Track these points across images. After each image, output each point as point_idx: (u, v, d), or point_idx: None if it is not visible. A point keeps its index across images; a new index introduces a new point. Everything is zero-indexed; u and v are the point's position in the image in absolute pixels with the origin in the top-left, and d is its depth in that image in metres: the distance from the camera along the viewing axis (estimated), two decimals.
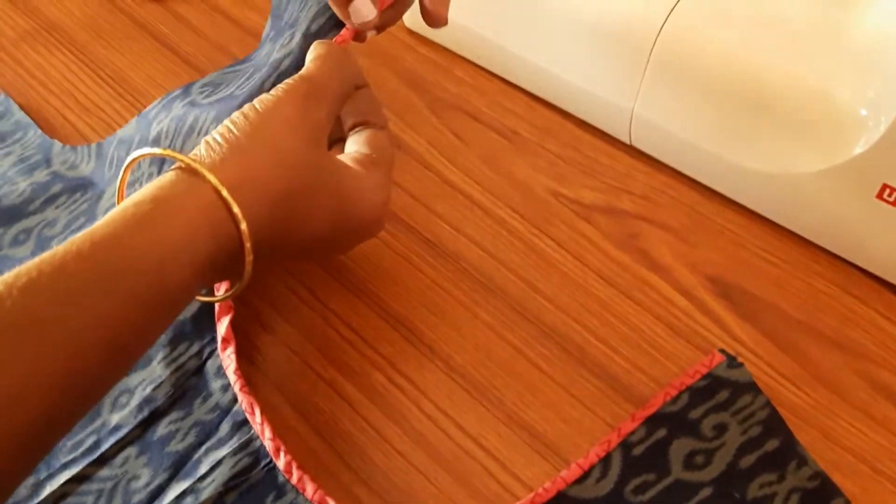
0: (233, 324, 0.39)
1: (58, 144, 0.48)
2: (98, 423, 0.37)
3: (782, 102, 0.39)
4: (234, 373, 0.38)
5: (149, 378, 0.38)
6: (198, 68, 0.53)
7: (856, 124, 0.37)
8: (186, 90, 0.45)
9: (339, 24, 0.39)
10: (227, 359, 0.38)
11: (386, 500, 0.35)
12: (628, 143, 0.47)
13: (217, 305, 0.39)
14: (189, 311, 0.40)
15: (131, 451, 0.37)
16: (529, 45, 0.47)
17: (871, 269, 0.41)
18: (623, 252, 0.43)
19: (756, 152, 0.41)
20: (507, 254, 0.43)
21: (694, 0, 0.41)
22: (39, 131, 0.48)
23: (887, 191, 0.36)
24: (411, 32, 0.55)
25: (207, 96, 0.43)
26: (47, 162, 0.47)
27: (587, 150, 0.48)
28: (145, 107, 0.50)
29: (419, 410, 0.38)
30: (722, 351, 0.38)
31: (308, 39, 0.39)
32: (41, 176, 0.46)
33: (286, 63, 0.40)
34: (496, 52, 0.50)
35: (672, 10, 0.41)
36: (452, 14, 0.50)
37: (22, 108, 0.50)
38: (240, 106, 0.38)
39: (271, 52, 0.42)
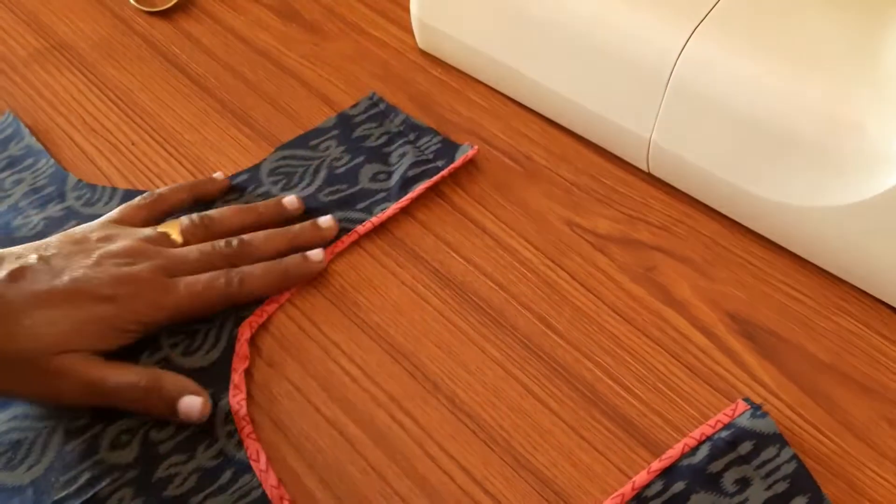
0: (246, 372, 0.38)
1: (72, 178, 0.47)
2: (94, 459, 0.36)
3: (808, 133, 0.37)
4: (243, 418, 0.37)
5: (153, 420, 0.37)
6: (207, 90, 0.52)
7: (888, 157, 0.35)
8: (256, 169, 0.47)
9: (430, 174, 0.46)
10: (237, 405, 0.37)
11: None
12: (646, 170, 0.45)
13: (234, 356, 0.39)
14: (205, 360, 0.39)
15: (127, 491, 0.35)
16: (545, 68, 0.46)
17: None
18: (639, 286, 0.41)
19: (780, 184, 0.39)
20: (518, 286, 0.42)
21: (713, 25, 0.39)
22: (52, 160, 0.47)
23: None
24: (424, 53, 0.53)
25: (283, 188, 0.47)
26: (61, 196, 0.46)
27: (604, 177, 0.46)
28: (153, 129, 0.50)
29: (422, 451, 0.36)
30: (747, 400, 0.36)
31: (405, 182, 0.45)
32: (55, 210, 0.45)
33: (380, 196, 0.45)
34: (510, 75, 0.48)
35: (691, 36, 0.39)
36: (466, 36, 0.49)
37: (29, 128, 0.49)
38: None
39: (346, 161, 0.47)
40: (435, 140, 0.47)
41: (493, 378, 0.38)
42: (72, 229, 0.40)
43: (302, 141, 0.48)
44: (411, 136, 0.48)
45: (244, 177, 0.47)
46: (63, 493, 0.35)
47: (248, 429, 0.36)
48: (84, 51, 0.55)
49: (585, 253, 0.43)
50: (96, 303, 0.36)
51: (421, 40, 0.52)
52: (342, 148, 0.48)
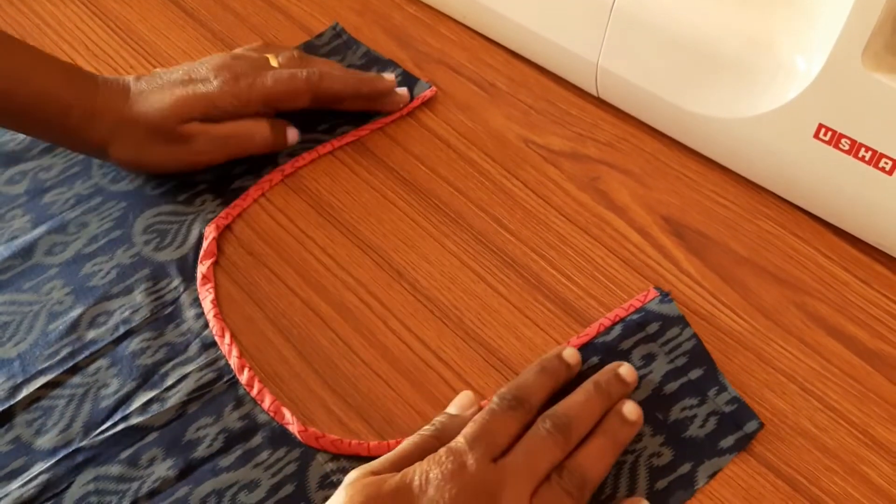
0: (214, 265, 0.43)
1: None
2: (74, 336, 0.41)
3: (730, 51, 0.41)
4: (211, 302, 0.41)
5: (128, 304, 0.42)
6: (200, 21, 0.56)
7: (793, 71, 0.39)
8: None
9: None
10: (206, 292, 0.42)
11: (349, 404, 0.39)
12: (596, 95, 0.50)
13: (202, 250, 0.43)
14: (175, 254, 0.44)
15: (103, 362, 0.40)
16: (506, 1, 0.50)
17: (810, 209, 0.44)
18: (584, 193, 0.46)
19: (706, 99, 0.43)
20: (476, 192, 0.46)
21: None
22: None
23: (823, 130, 0.39)
24: None
25: None
26: None
27: (559, 101, 0.51)
28: (149, 54, 0.54)
29: (385, 326, 0.41)
30: (657, 288, 0.41)
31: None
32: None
33: (341, 119, 0.50)
34: (477, 8, 0.53)
35: None
36: None
37: None
38: None
39: None
40: (396, 73, 0.51)
41: (451, 268, 0.43)
42: None
43: None
44: (373, 70, 0.52)
45: None
46: (46, 364, 0.40)
47: (214, 310, 0.41)
48: None
49: (538, 166, 0.48)
50: (200, 83, 0.45)
51: None
52: None
